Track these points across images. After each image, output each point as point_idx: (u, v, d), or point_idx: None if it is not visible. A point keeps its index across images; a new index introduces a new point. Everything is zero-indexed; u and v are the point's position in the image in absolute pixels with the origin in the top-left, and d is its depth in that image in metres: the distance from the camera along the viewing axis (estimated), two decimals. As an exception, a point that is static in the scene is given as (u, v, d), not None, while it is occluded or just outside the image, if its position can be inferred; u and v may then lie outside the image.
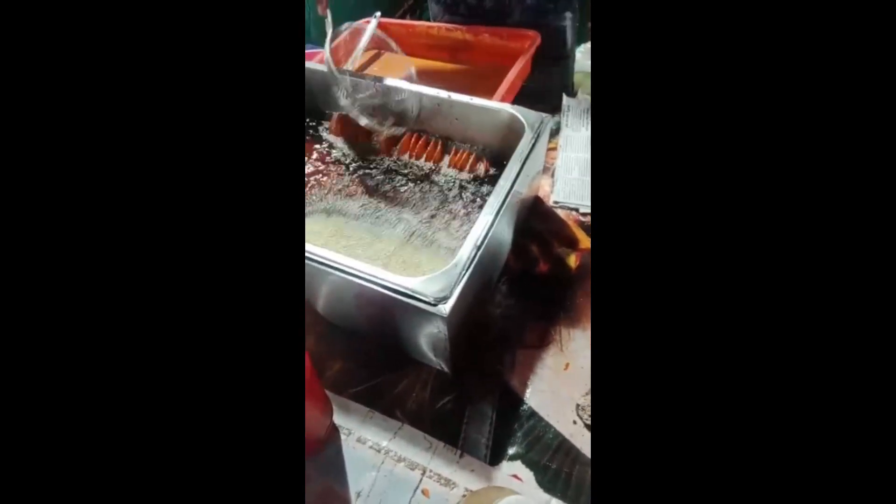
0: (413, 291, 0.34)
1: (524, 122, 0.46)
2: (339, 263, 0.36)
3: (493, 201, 0.40)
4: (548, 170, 0.58)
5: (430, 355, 0.40)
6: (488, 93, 0.62)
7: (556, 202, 0.55)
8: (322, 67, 0.55)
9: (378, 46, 0.74)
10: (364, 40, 0.72)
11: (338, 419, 0.39)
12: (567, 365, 0.42)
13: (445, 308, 0.33)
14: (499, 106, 0.48)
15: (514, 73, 0.61)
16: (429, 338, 0.37)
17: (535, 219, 0.53)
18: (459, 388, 0.41)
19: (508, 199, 0.40)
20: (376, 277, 0.35)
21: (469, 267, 0.35)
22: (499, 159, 0.52)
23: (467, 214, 0.48)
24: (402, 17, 1.43)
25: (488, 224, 0.38)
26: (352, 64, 0.69)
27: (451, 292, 0.34)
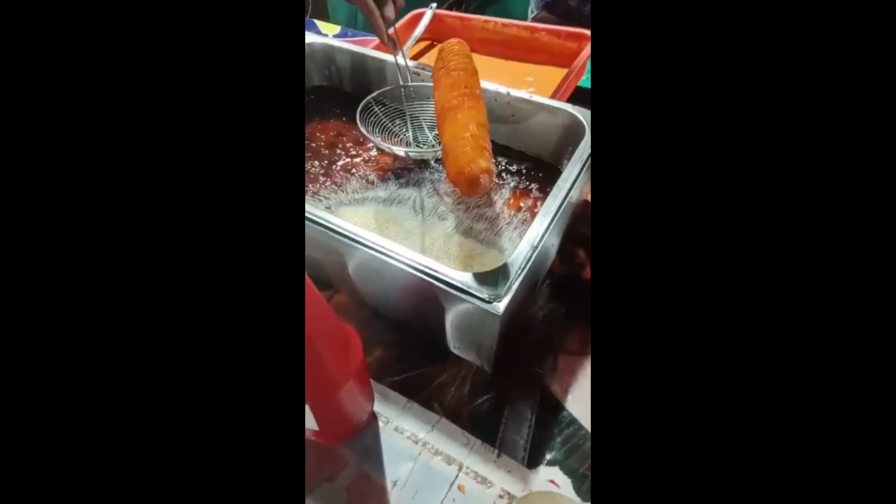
0: (468, 286, 0.33)
1: (585, 124, 0.45)
2: (392, 251, 0.36)
3: (551, 203, 0.39)
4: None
5: (474, 352, 0.40)
6: (543, 92, 0.61)
7: (604, 208, 0.53)
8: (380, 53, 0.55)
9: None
10: (418, 30, 0.71)
11: (376, 406, 0.39)
12: (610, 375, 0.41)
13: (500, 306, 0.33)
14: (560, 105, 0.47)
15: (572, 73, 0.60)
16: (476, 335, 0.37)
17: (583, 223, 0.52)
18: (499, 388, 0.40)
19: (565, 203, 0.39)
20: (430, 269, 0.34)
21: (525, 267, 0.35)
22: (554, 159, 0.51)
23: (523, 213, 0.47)
24: (449, 9, 1.42)
25: (545, 227, 0.37)
26: (405, 53, 0.69)
27: (507, 291, 0.33)
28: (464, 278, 0.34)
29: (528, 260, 0.35)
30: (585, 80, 0.66)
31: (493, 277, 0.34)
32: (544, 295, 0.47)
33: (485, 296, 0.33)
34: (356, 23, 1.12)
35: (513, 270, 0.35)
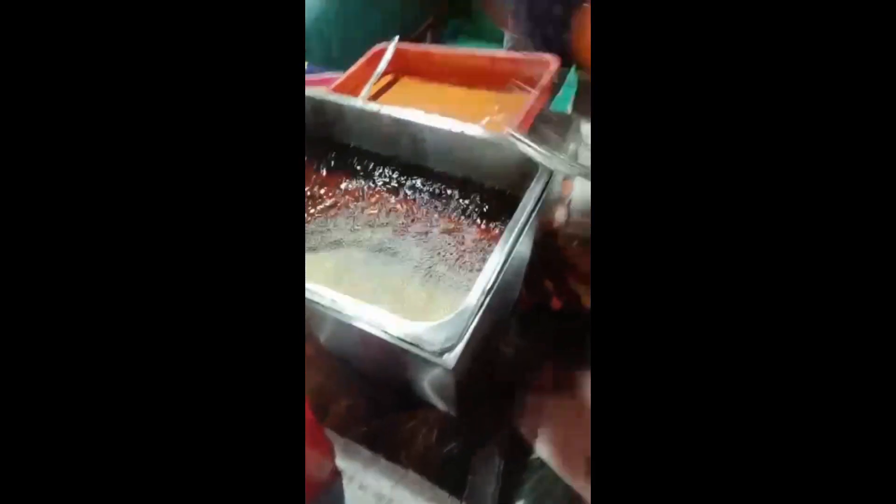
0: (417, 340, 0.33)
1: (536, 158, 0.44)
2: (339, 307, 0.35)
3: (506, 238, 0.39)
4: (563, 200, 0.56)
5: (438, 400, 0.39)
6: (511, 117, 0.61)
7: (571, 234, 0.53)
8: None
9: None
10: (381, 66, 0.72)
11: (340, 462, 0.38)
12: (580, 412, 0.40)
13: (451, 359, 0.32)
14: (510, 142, 0.47)
15: (531, 100, 0.60)
16: (433, 386, 0.36)
17: (549, 251, 0.52)
18: (467, 433, 0.39)
19: (521, 239, 0.39)
20: (378, 323, 0.34)
21: (478, 313, 0.34)
22: (515, 190, 0.50)
23: (479, 249, 0.47)
24: (423, 35, 1.44)
25: (498, 267, 0.37)
26: (367, 90, 0.70)
27: (458, 341, 0.33)
28: (412, 330, 0.33)
29: (482, 305, 0.35)
30: (557, 103, 0.66)
31: (444, 328, 0.33)
32: (513, 328, 0.46)
33: (435, 349, 0.32)
34: (330, 61, 1.13)
35: (465, 317, 0.34)
